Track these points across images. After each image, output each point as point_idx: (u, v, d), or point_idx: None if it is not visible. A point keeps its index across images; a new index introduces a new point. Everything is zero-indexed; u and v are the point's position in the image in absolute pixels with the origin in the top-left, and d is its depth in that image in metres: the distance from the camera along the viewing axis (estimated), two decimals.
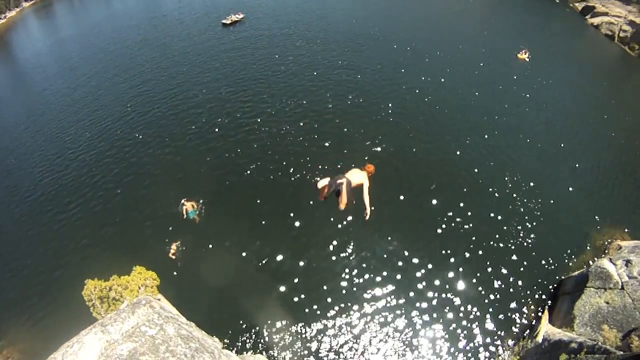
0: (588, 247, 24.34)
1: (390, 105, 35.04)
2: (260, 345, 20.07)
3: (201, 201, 26.64)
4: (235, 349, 19.81)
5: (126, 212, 26.86)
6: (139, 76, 41.87)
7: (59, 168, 31.26)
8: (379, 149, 30.27)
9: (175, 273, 22.96)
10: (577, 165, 30.14)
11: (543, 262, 23.55)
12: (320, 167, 28.33)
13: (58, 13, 68.42)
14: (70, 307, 20.80)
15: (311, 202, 25.90)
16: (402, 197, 26.68)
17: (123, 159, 30.93)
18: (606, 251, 23.90)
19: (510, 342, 20.31)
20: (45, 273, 24.25)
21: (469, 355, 19.85)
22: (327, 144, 30.67)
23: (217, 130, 32.73)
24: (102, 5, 69.18)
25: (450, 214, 25.65)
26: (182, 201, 26.27)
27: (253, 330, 20.57)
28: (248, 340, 20.23)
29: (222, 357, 12.94)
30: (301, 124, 32.96)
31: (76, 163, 31.38)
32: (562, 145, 31.91)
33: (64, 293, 22.53)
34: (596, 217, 26.17)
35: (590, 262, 22.45)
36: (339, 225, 24.81)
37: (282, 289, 22.12)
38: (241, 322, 20.83)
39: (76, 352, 13.64)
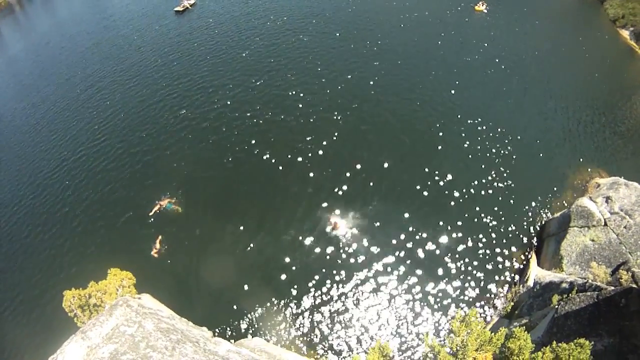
0: (567, 188, 24.45)
1: (349, 68, 34.92)
2: (255, 329, 19.85)
3: (172, 196, 26.01)
4: (230, 335, 19.52)
5: (98, 217, 26.11)
6: (96, 80, 40.28)
7: (30, 182, 30.25)
8: (348, 112, 30.03)
9: (160, 269, 22.48)
10: (547, 110, 30.21)
11: (524, 207, 23.63)
12: (291, 145, 27.96)
13: (4, 31, 65.50)
14: (55, 321, 20.31)
15: (294, 182, 25.70)
16: (382, 160, 26.62)
17: (91, 165, 29.95)
18: (585, 190, 24.00)
19: (503, 290, 20.35)
20: (23, 292, 23.50)
21: (464, 306, 19.85)
22: (293, 120, 30.36)
23: (183, 121, 31.85)
24: (48, 16, 66.18)
25: (429, 171, 25.62)
26: (156, 202, 25.66)
27: (247, 316, 20.31)
28: (243, 326, 19.98)
29: (208, 345, 12.51)
30: (265, 102, 32.44)
31: (47, 175, 30.36)
32: (530, 92, 31.93)
33: (46, 309, 21.97)
34: (571, 158, 26.32)
35: (571, 202, 22.50)
36: (320, 203, 24.55)
37: (270, 271, 21.86)
38: (234, 309, 20.55)
39: None
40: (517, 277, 20.69)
